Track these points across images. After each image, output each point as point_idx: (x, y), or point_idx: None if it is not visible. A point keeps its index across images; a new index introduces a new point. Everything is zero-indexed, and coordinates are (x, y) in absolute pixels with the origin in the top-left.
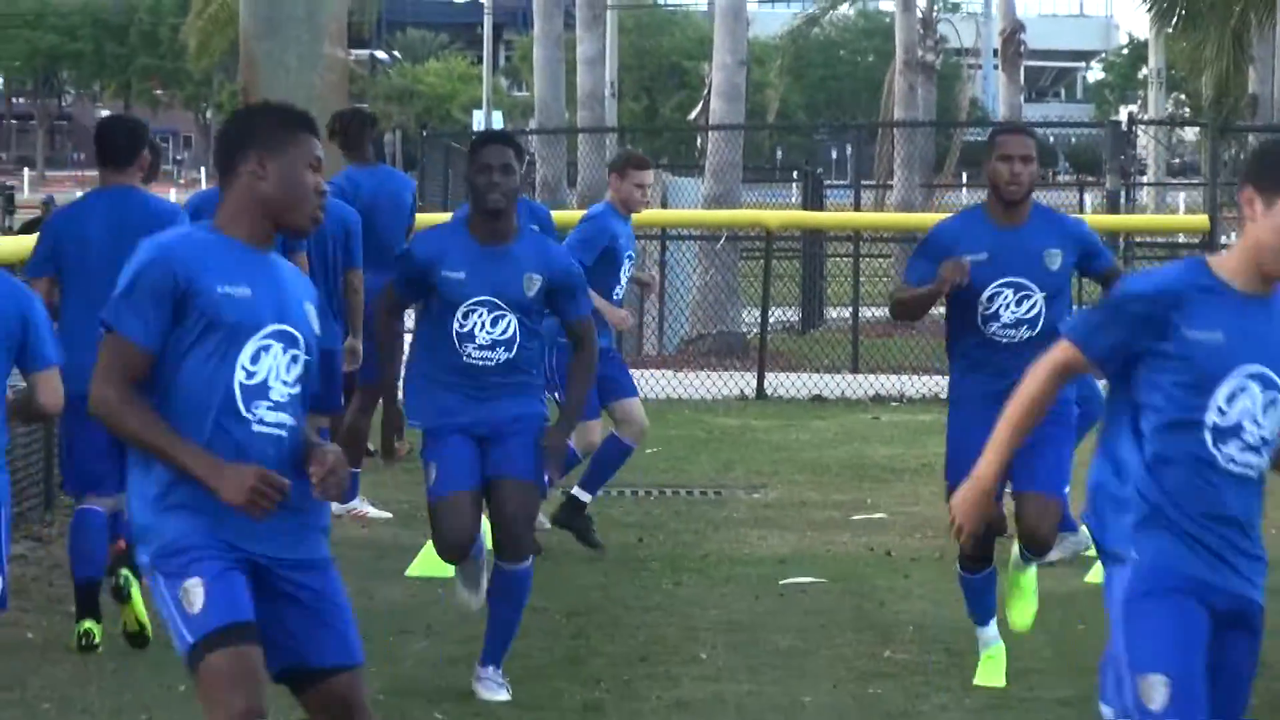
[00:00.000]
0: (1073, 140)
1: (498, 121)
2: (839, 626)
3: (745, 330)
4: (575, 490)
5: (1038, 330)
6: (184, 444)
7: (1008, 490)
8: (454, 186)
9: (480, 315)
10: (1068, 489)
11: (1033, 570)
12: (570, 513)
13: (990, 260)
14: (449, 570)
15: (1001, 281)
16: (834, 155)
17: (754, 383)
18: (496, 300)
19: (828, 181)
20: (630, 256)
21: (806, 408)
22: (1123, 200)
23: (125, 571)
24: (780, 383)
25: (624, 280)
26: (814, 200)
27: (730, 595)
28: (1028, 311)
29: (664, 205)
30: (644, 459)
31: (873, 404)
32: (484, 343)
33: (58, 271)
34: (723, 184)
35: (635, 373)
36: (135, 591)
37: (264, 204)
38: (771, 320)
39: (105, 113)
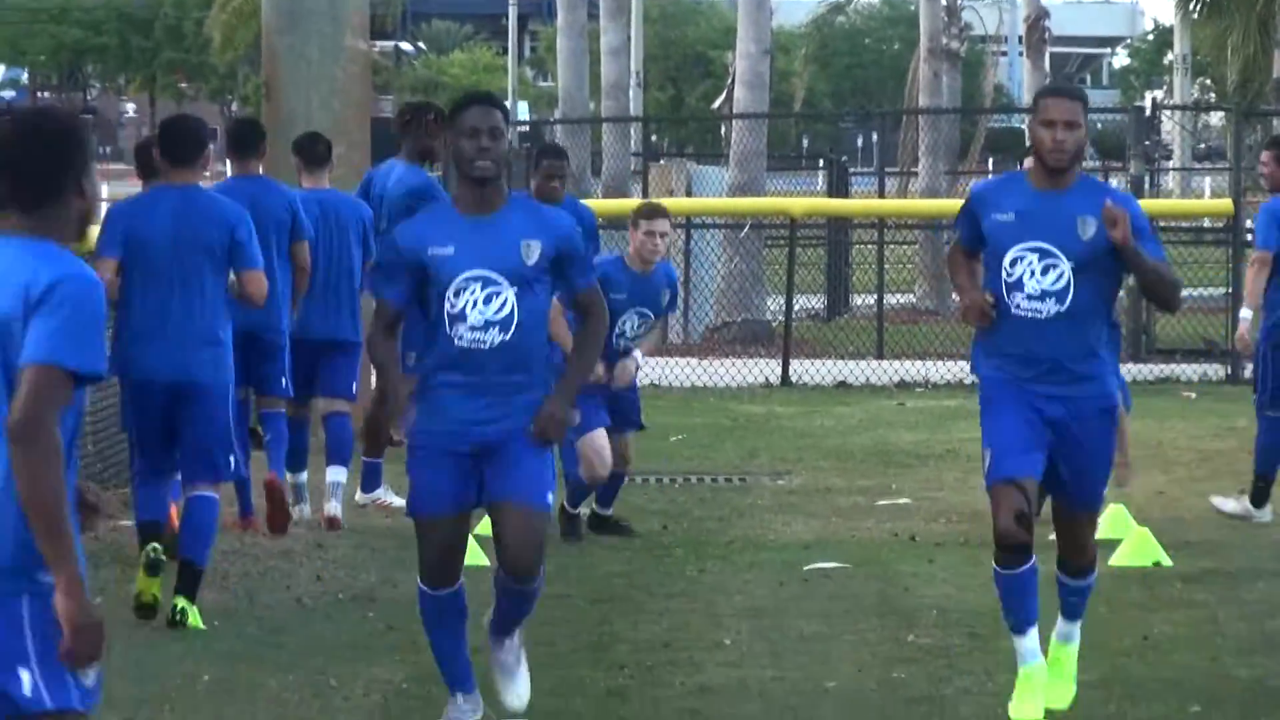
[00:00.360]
0: (1099, 126)
1: (523, 112)
2: (863, 611)
3: (770, 318)
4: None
5: (1066, 306)
6: (73, 542)
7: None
8: None
9: (472, 292)
10: (1106, 489)
11: (1074, 648)
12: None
13: (1016, 221)
14: (482, 558)
15: (1025, 245)
16: (860, 143)
17: (779, 370)
18: (491, 274)
19: (853, 169)
20: (642, 314)
21: (831, 394)
22: (1147, 185)
23: (182, 604)
24: (805, 369)
25: (626, 335)
26: (839, 188)
27: (754, 581)
28: (1054, 283)
29: (689, 194)
30: (669, 446)
31: (897, 390)
32: (476, 323)
33: (123, 257)
34: (747, 172)
35: (661, 361)
36: (193, 620)
37: (77, 234)
38: (797, 308)
39: (131, 106)
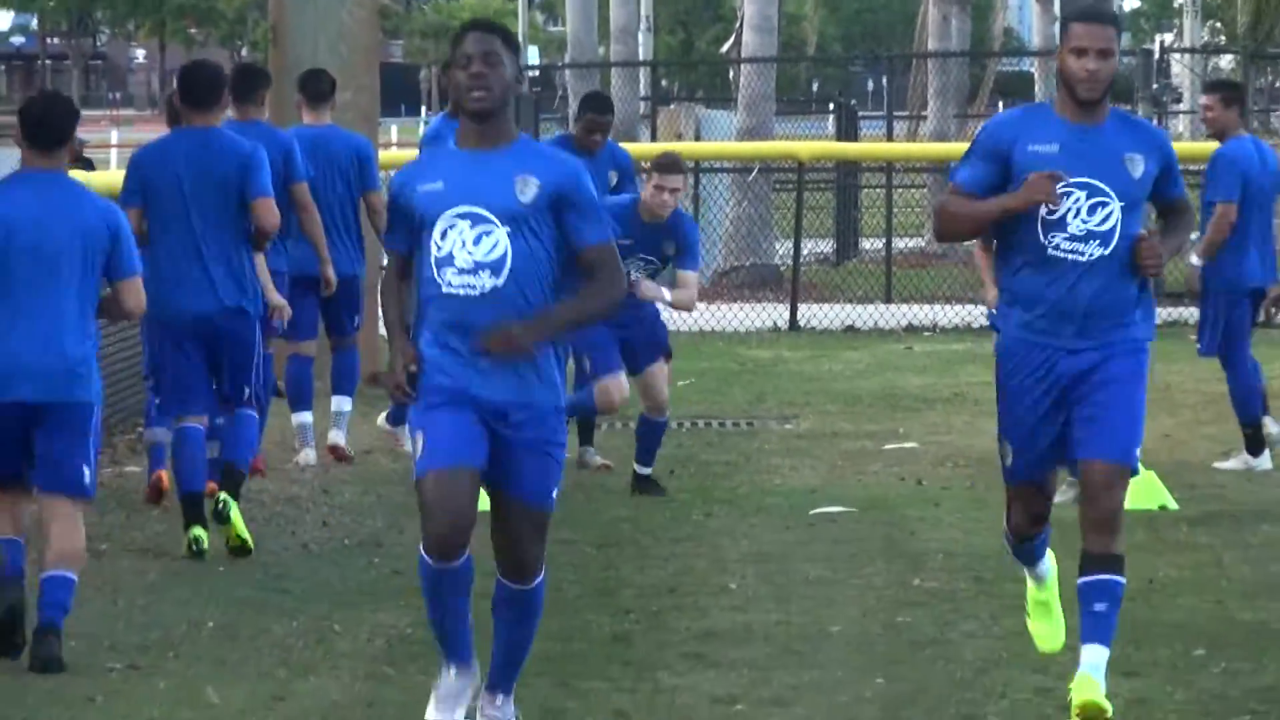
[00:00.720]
0: None
1: (533, 57)
2: (868, 555)
3: (778, 262)
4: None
5: (1110, 249)
6: None
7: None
8: None
9: (460, 231)
10: (1139, 450)
11: (1102, 674)
12: (643, 486)
13: (1062, 153)
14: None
15: (1074, 181)
16: (870, 87)
17: (787, 314)
18: (480, 210)
19: (864, 113)
20: (646, 261)
21: (839, 338)
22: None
23: (224, 495)
24: (813, 314)
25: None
26: (848, 132)
27: (760, 526)
28: (1101, 223)
29: (697, 138)
30: (677, 391)
31: (905, 334)
32: (465, 265)
33: (145, 204)
34: (755, 116)
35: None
36: (235, 513)
37: None
38: (805, 252)
39: (140, 52)
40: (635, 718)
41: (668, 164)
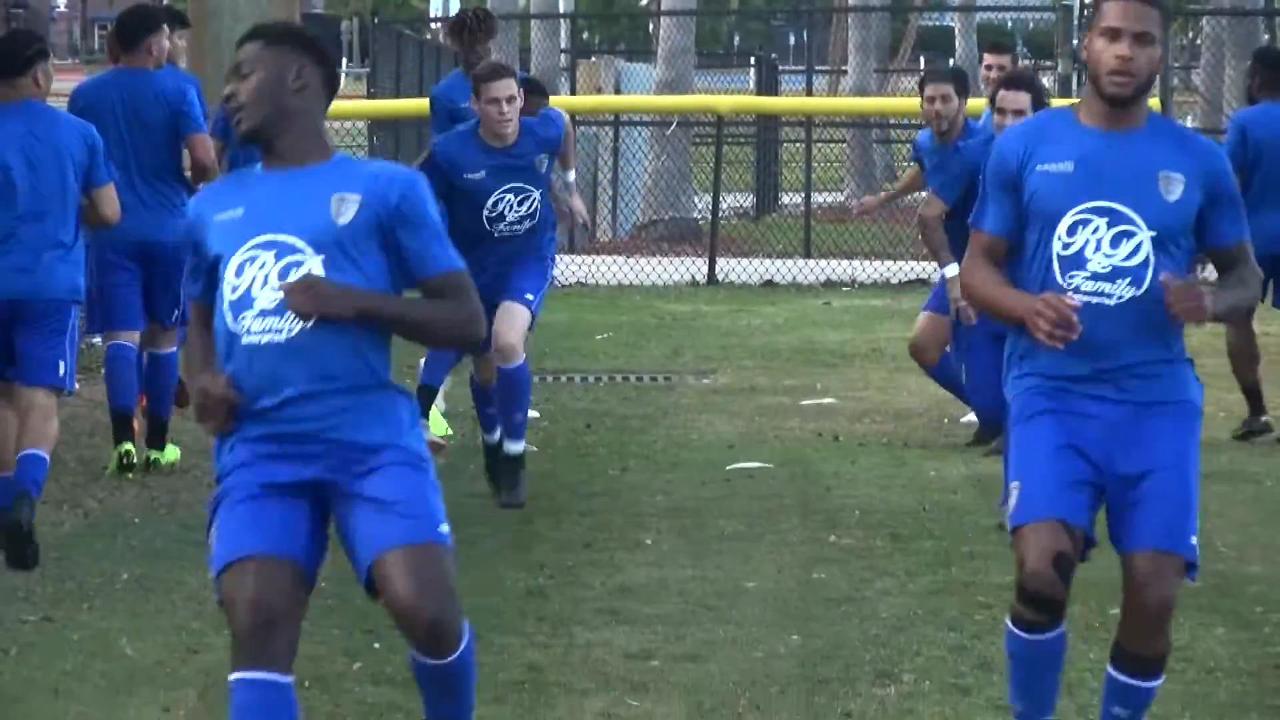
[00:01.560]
0: (1031, 25)
1: (454, 7)
2: (784, 512)
3: (698, 216)
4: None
5: (1144, 288)
6: None
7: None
8: (405, 77)
9: (262, 265)
10: (1195, 538)
11: None
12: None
13: (1076, 172)
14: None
15: (1089, 206)
16: (791, 41)
17: (705, 268)
18: (288, 238)
19: (784, 68)
20: (520, 191)
21: (758, 293)
22: (1075, 84)
23: (152, 454)
24: (732, 268)
25: (507, 219)
26: (768, 85)
27: (676, 481)
28: (1129, 256)
29: (617, 91)
30: (594, 345)
31: (824, 289)
32: (267, 305)
33: None
34: (675, 69)
35: (587, 259)
36: (166, 455)
37: None
38: (725, 206)
39: (62, 0)
40: (549, 673)
41: (486, 72)
